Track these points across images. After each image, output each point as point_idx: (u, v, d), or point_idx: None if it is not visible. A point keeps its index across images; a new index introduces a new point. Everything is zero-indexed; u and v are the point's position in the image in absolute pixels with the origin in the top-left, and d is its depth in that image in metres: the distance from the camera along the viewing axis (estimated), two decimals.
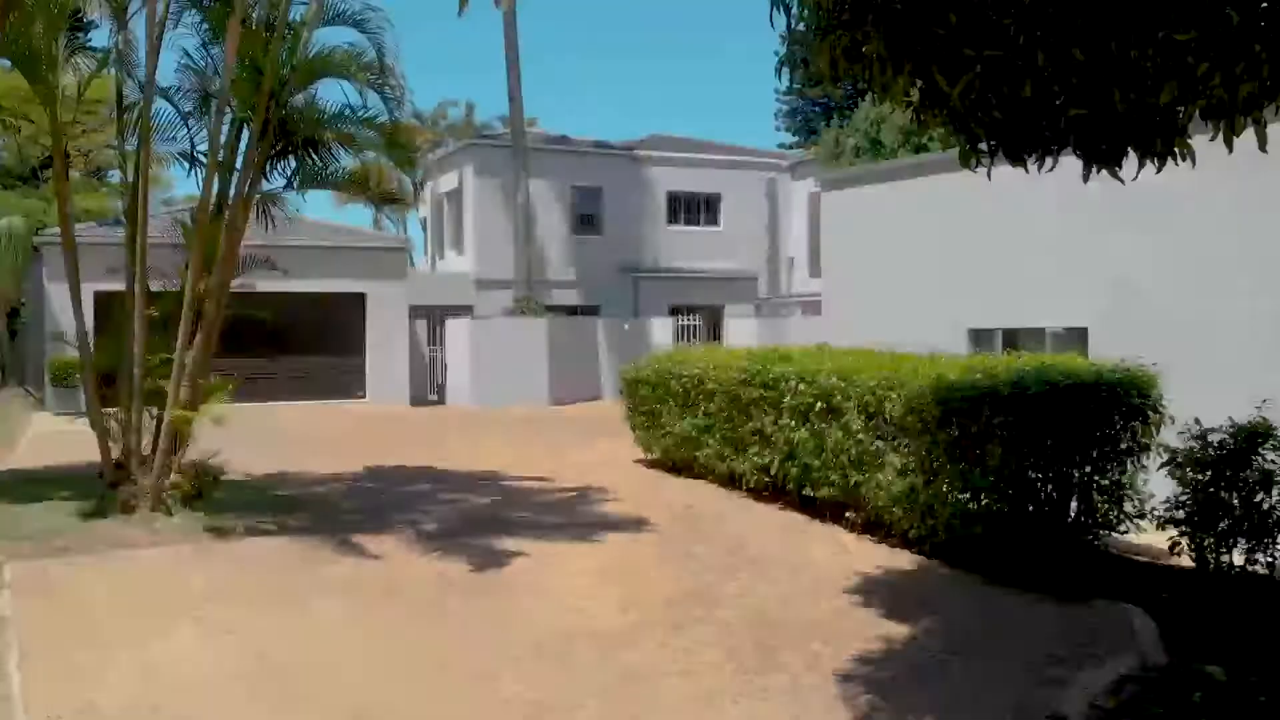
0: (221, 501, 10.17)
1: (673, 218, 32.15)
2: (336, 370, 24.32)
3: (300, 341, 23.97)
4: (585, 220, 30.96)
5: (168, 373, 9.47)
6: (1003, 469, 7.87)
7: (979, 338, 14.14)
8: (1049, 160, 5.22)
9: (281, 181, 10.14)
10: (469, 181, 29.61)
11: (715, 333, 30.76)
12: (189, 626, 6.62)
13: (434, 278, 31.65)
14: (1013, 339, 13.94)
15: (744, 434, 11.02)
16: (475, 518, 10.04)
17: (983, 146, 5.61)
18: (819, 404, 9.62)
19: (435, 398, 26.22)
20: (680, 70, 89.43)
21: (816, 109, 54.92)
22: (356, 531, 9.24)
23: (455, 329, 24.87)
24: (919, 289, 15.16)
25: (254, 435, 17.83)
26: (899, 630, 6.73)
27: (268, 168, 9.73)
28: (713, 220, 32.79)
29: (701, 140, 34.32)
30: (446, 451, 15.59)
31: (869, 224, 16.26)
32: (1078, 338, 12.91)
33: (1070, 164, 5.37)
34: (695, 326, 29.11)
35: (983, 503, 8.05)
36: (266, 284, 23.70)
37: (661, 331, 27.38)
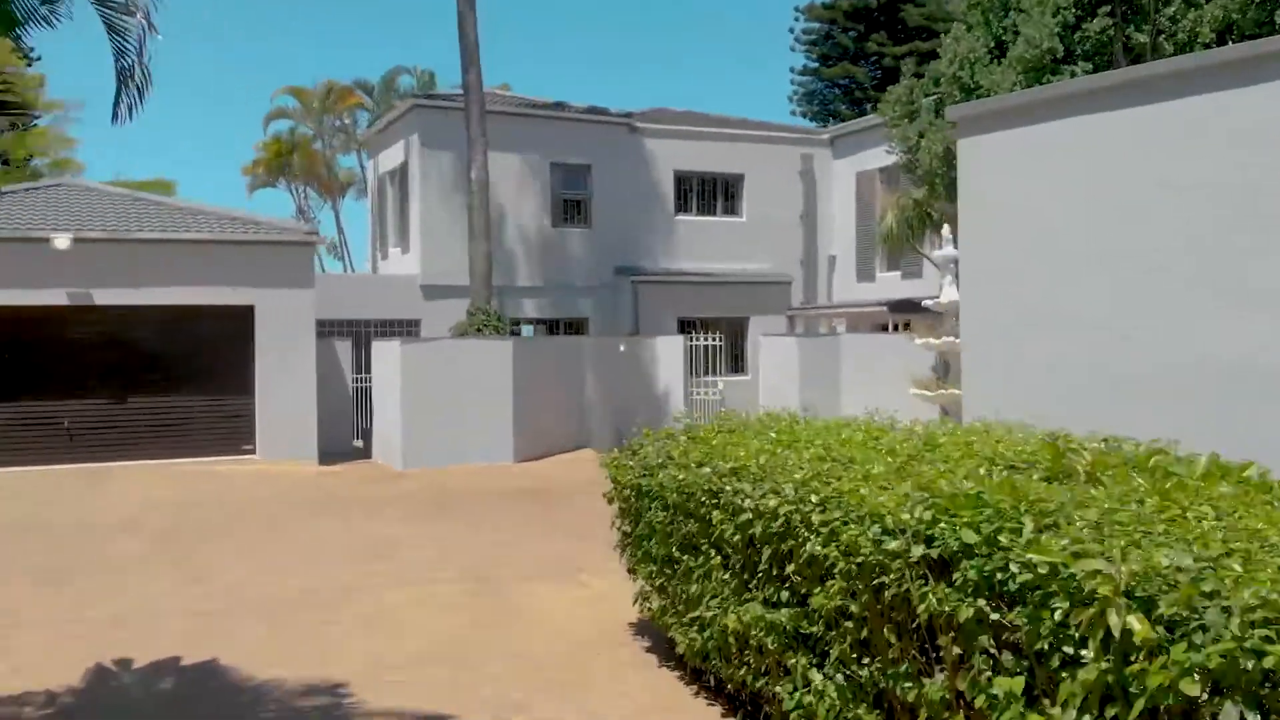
0: None
1: (682, 205, 25.10)
2: (216, 415, 17.31)
3: (162, 375, 16.98)
4: (568, 207, 23.92)
5: None
6: None
7: None
8: None
9: None
10: (415, 156, 22.60)
11: (738, 353, 23.93)
12: None
13: (366, 283, 24.80)
14: None
15: (930, 694, 4.06)
16: None
17: None
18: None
19: (363, 445, 19.25)
20: (685, 52, 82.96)
21: (836, 90, 48.30)
22: None
23: (383, 355, 17.81)
24: (1155, 293, 8.30)
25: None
26: None
27: None
28: (732, 209, 25.76)
29: (715, 115, 27.20)
30: (293, 594, 8.65)
31: (1049, 185, 9.35)
32: None
33: None
34: (715, 347, 22.10)
35: None
36: (107, 296, 16.87)
37: (669, 354, 20.38)
